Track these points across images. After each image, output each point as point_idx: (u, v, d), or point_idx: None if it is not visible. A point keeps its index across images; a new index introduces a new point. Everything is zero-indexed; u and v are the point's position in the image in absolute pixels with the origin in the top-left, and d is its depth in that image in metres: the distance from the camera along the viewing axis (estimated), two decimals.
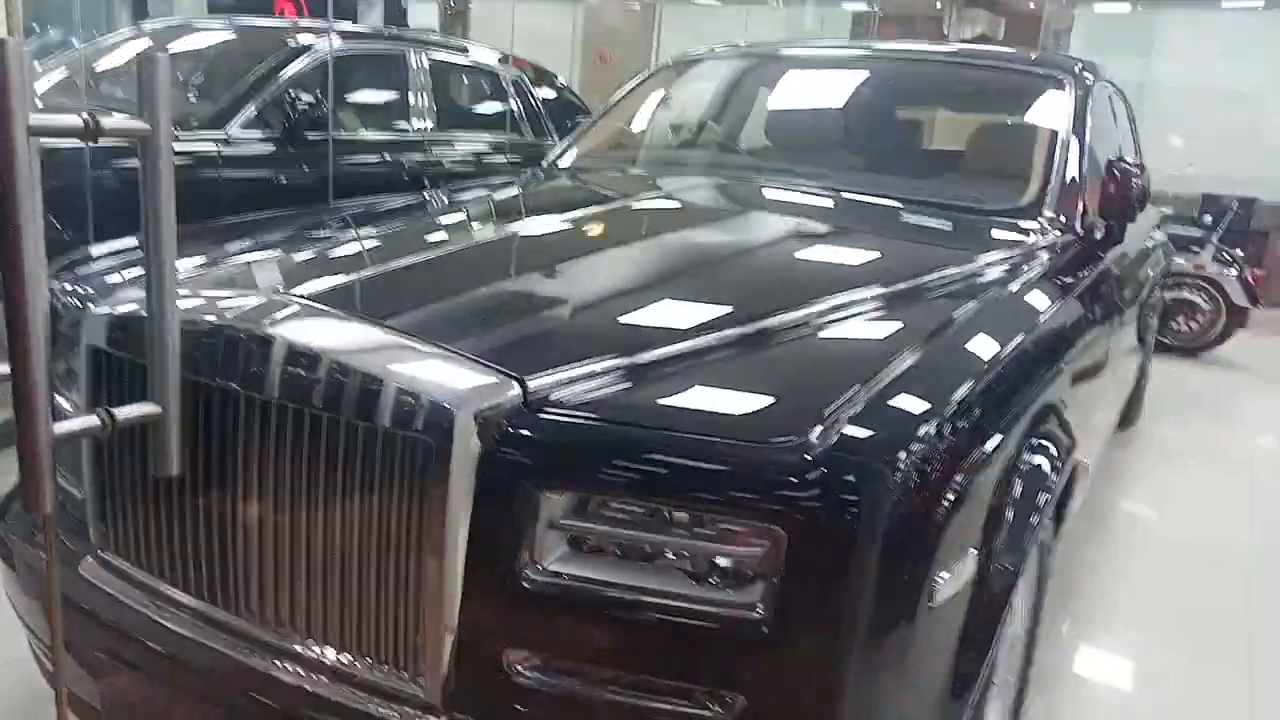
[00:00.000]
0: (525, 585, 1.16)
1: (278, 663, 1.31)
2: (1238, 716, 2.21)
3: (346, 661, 1.27)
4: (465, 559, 1.17)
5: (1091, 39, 9.22)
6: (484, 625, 1.19)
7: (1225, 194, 6.79)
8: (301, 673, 1.28)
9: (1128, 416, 4.13)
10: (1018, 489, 1.40)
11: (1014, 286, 1.80)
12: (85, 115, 0.91)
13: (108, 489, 1.47)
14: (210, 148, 3.62)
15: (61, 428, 0.95)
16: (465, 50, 5.20)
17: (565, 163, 2.90)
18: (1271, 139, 8.03)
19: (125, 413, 1.01)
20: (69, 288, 1.72)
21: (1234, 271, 5.48)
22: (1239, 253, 5.75)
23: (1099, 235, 2.35)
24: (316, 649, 1.29)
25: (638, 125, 3.11)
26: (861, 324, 1.51)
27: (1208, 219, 6.07)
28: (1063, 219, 2.23)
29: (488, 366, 1.21)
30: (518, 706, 1.18)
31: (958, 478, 1.22)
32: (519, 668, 1.18)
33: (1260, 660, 2.46)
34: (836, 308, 1.53)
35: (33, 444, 0.93)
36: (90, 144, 0.97)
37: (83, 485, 1.51)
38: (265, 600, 1.33)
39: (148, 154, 0.98)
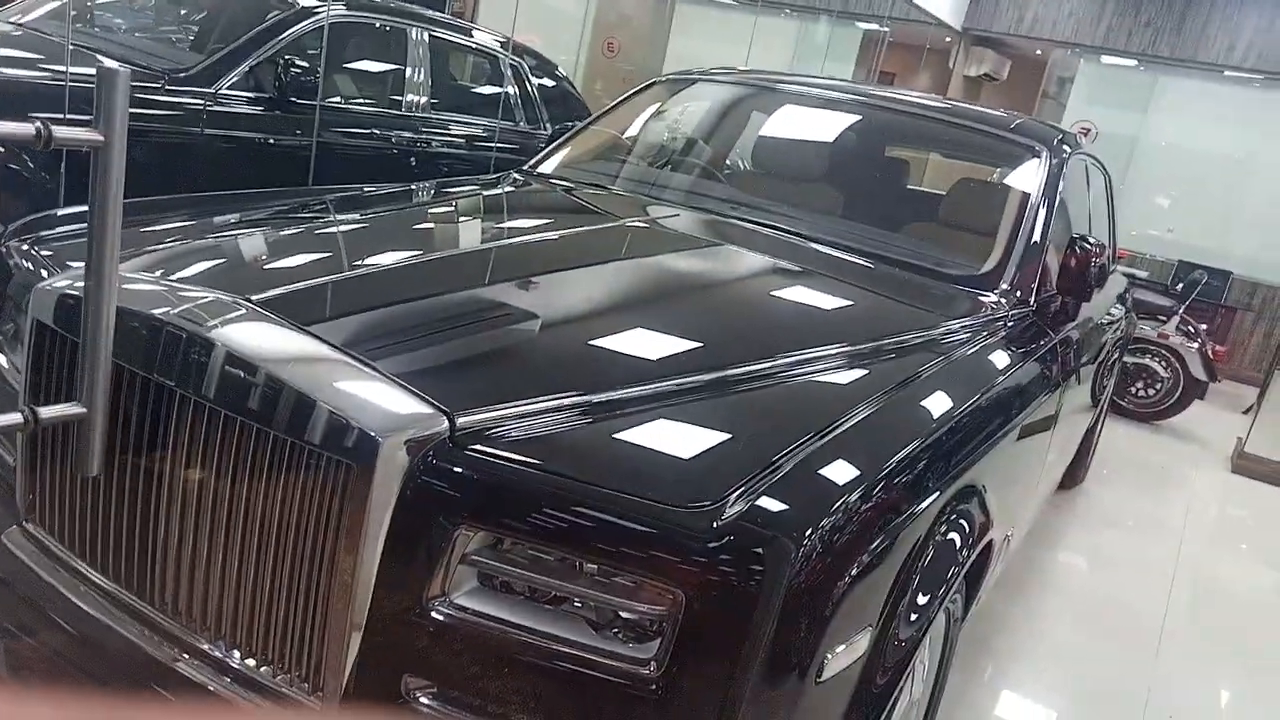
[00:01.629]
0: (433, 615, 1.19)
1: (185, 657, 1.33)
2: None
3: (250, 665, 1.30)
4: (375, 583, 1.19)
5: (1093, 90, 9.31)
6: (387, 648, 1.21)
7: (1200, 264, 6.91)
8: (206, 671, 1.31)
9: (1073, 476, 4.22)
10: (925, 566, 1.44)
11: (957, 361, 1.84)
12: (38, 124, 0.93)
13: (37, 462, 1.47)
14: (196, 103, 3.59)
15: None
16: (467, 31, 5.18)
17: (547, 169, 2.91)
18: (1254, 213, 8.16)
19: (49, 412, 1.03)
20: (26, 248, 1.73)
21: (1196, 345, 5.58)
22: (1204, 326, 5.85)
23: (1053, 310, 2.40)
24: (223, 649, 1.32)
25: (624, 140, 3.12)
26: (801, 387, 1.55)
27: (1179, 287, 6.16)
28: (1018, 293, 2.28)
29: (420, 397, 1.23)
30: None
31: (863, 557, 1.26)
32: (416, 693, 1.21)
33: None
34: (780, 367, 1.57)
35: None
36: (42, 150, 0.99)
37: (14, 453, 1.52)
38: (179, 594, 1.35)
39: (100, 164, 0.99)
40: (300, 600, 1.25)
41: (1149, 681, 2.81)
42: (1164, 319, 5.71)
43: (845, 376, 1.62)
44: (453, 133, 4.81)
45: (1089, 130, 8.49)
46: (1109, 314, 3.37)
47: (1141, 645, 3.04)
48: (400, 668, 1.21)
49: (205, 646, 1.32)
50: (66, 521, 1.45)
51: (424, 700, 1.21)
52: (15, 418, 0.99)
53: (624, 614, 1.18)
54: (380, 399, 1.23)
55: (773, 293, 2.09)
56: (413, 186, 2.59)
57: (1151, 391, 5.80)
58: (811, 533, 1.19)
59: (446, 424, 1.20)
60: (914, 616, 1.41)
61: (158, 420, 1.32)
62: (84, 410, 1.04)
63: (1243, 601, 3.65)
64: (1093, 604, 3.29)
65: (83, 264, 1.56)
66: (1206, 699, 2.84)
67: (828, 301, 2.04)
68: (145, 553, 1.37)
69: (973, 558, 1.64)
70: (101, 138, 0.97)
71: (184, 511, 1.32)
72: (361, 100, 4.44)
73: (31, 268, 1.65)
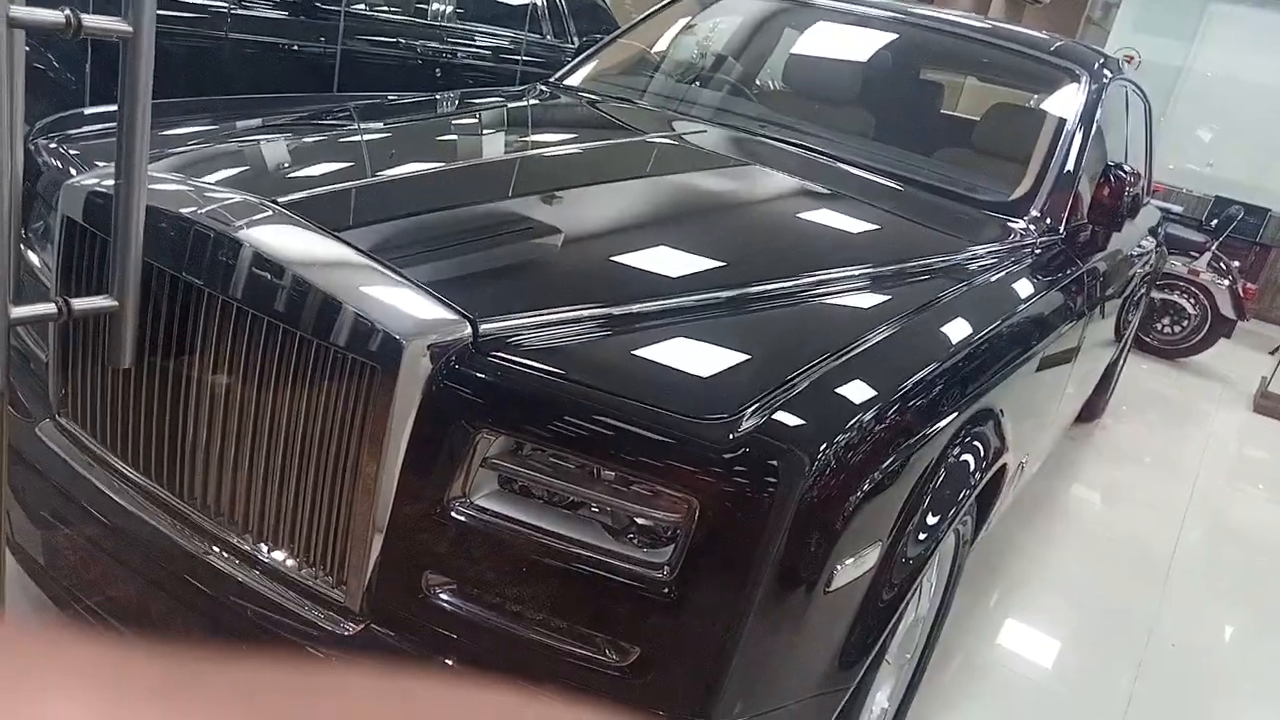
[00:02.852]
0: (453, 515, 1.22)
1: (215, 550, 1.37)
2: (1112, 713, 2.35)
3: (278, 559, 1.34)
4: (398, 483, 1.22)
5: (1140, 16, 8.99)
6: (409, 546, 1.25)
7: (1237, 200, 6.75)
8: (235, 563, 1.35)
9: (1092, 410, 4.21)
10: (936, 486, 1.46)
11: (980, 286, 1.83)
12: (68, 13, 0.92)
13: (69, 357, 1.51)
14: (221, 6, 3.55)
15: (17, 312, 0.99)
16: None
17: (574, 81, 2.87)
18: None
19: (82, 304, 1.05)
20: (54, 146, 1.73)
21: (1226, 282, 5.49)
22: (1235, 264, 5.75)
23: (1082, 239, 2.37)
24: (251, 542, 1.36)
25: (653, 53, 3.06)
26: (821, 307, 1.55)
27: (1214, 223, 6.04)
28: (1047, 221, 2.25)
29: (444, 303, 1.24)
30: (430, 626, 1.25)
31: (875, 474, 1.28)
32: (436, 589, 1.25)
33: (1150, 661, 2.58)
34: (802, 287, 1.57)
35: None
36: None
37: (47, 348, 1.55)
38: (209, 488, 1.39)
39: (129, 56, 0.99)
40: (325, 498, 1.29)
41: (1154, 613, 2.85)
42: (1196, 255, 5.62)
43: (866, 298, 1.62)
44: (478, 44, 4.74)
45: (1132, 58, 8.22)
46: (1139, 247, 3.32)
47: (1150, 579, 3.07)
48: (421, 565, 1.25)
49: (235, 540, 1.36)
50: (98, 416, 1.49)
51: (444, 596, 1.25)
52: (49, 308, 1.01)
53: (639, 520, 1.21)
54: (405, 304, 1.24)
55: (798, 213, 2.08)
56: (438, 96, 2.57)
57: (1178, 328, 5.74)
58: (825, 448, 1.20)
59: (470, 330, 1.22)
60: (923, 535, 1.44)
61: (187, 319, 1.34)
62: (115, 303, 1.06)
63: (1255, 541, 3.67)
64: (1104, 536, 3.32)
65: (110, 162, 1.58)
66: (1211, 633, 2.88)
67: (853, 223, 2.02)
68: (175, 448, 1.40)
69: (985, 481, 1.66)
70: (130, 29, 0.97)
71: (213, 409, 1.35)
72: (386, 8, 4.37)
73: (60, 165, 1.66)
